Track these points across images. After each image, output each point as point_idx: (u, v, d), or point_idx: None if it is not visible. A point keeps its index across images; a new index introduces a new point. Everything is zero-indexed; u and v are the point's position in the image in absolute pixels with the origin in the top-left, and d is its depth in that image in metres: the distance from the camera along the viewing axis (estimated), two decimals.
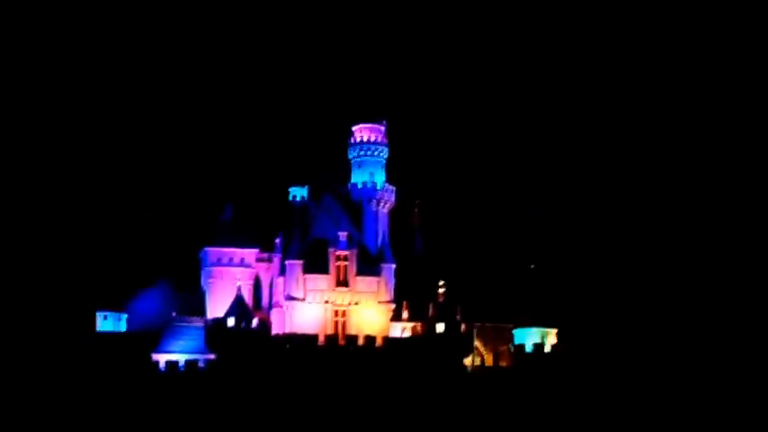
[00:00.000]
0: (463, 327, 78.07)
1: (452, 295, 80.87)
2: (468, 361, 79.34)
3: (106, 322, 76.74)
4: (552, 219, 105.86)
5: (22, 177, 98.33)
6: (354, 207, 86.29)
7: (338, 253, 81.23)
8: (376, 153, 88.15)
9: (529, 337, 79.28)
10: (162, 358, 75.77)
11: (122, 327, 77.70)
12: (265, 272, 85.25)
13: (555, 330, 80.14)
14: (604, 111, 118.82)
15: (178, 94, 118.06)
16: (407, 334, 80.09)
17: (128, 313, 79.10)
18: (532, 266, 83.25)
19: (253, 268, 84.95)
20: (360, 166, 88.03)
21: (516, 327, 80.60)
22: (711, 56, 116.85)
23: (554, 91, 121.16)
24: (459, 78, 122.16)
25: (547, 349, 78.41)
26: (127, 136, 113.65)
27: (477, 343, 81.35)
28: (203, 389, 73.39)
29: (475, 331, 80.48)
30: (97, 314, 76.65)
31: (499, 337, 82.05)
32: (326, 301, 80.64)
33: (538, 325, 79.77)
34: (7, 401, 70.26)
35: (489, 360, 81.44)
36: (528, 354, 78.17)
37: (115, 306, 77.69)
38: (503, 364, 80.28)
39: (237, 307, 77.90)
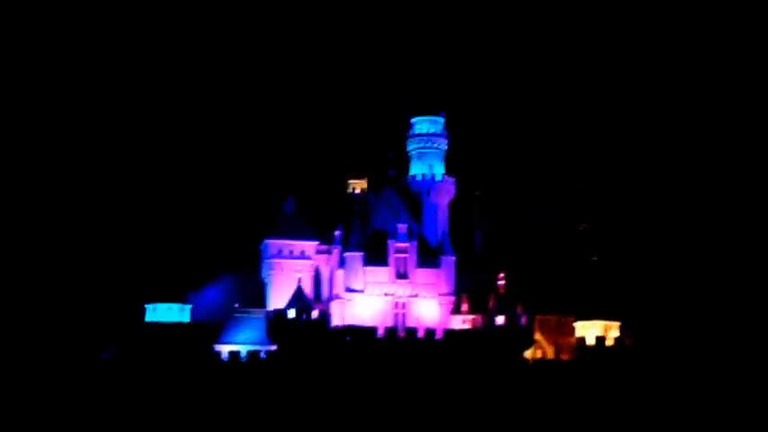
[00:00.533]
0: (524, 319, 77.50)
1: (513, 288, 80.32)
2: (528, 353, 78.69)
3: (170, 312, 77.77)
4: (615, 212, 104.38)
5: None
6: (414, 199, 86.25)
7: (398, 245, 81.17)
8: (435, 145, 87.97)
9: (591, 331, 78.27)
10: (224, 349, 76.73)
11: (186, 317, 78.70)
12: (325, 264, 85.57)
13: (617, 324, 78.96)
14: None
15: (243, 88, 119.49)
16: (467, 326, 79.76)
17: (191, 304, 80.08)
18: (594, 259, 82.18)
19: (313, 260, 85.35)
20: (419, 158, 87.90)
21: (578, 319, 79.66)
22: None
23: (610, 79, 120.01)
24: (515, 70, 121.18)
25: (609, 342, 77.35)
26: (192, 131, 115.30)
27: (537, 335, 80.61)
28: (265, 379, 74.07)
29: (536, 324, 79.77)
30: (161, 305, 77.71)
31: (561, 330, 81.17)
32: (386, 294, 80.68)
33: (600, 318, 78.67)
34: (65, 388, 71.69)
35: (550, 353, 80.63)
36: (589, 347, 77.21)
37: (179, 297, 78.70)
38: (564, 356, 79.44)
39: (298, 299, 78.47)
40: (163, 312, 77.63)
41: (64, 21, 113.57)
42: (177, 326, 76.87)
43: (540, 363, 79.04)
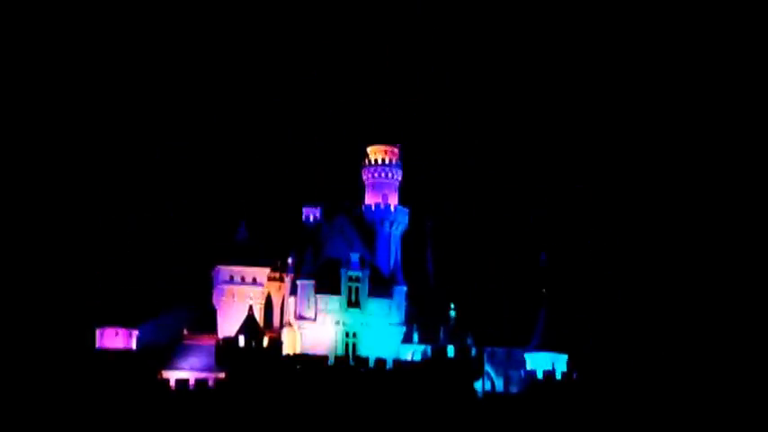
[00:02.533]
0: (474, 351, 77.86)
1: (464, 319, 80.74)
2: (478, 385, 79.01)
3: (117, 338, 76.64)
4: (565, 243, 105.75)
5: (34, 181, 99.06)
6: (367, 228, 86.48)
7: (350, 274, 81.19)
8: (390, 175, 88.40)
9: (540, 363, 78.94)
10: (172, 376, 75.73)
11: (133, 344, 77.64)
12: (277, 291, 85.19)
13: (566, 356, 79.80)
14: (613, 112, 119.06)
15: (194, 109, 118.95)
16: (418, 357, 79.89)
17: (139, 330, 79.00)
18: (544, 291, 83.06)
19: (264, 287, 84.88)
20: (373, 187, 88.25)
21: (527, 351, 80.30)
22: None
23: (558, 91, 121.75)
24: (469, 94, 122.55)
25: (558, 376, 78.04)
26: (144, 147, 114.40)
27: (487, 367, 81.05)
28: (213, 407, 73.25)
29: (486, 355, 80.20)
30: (108, 330, 76.50)
31: (510, 362, 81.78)
32: (337, 322, 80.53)
33: (549, 350, 79.41)
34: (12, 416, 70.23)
35: (500, 385, 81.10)
36: (539, 380, 77.82)
37: (126, 322, 77.54)
38: (513, 389, 79.95)
39: (248, 326, 77.78)
40: (110, 338, 76.45)
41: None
42: (124, 352, 75.73)
43: (490, 395, 79.48)
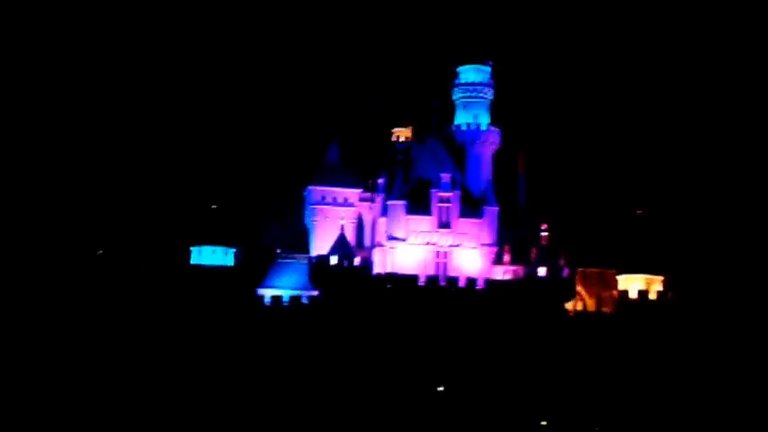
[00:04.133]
0: (566, 271, 77.25)
1: (556, 240, 79.98)
2: (570, 305, 78.59)
3: (214, 256, 78.65)
4: (661, 165, 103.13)
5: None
6: (458, 149, 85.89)
7: (441, 194, 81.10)
8: (481, 94, 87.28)
9: (633, 284, 77.88)
10: (267, 293, 77.60)
11: (230, 261, 79.60)
12: (368, 211, 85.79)
13: (661, 278, 78.46)
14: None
15: (286, 36, 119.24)
16: (509, 277, 79.77)
17: (236, 248, 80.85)
18: (639, 212, 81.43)
19: (356, 208, 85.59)
20: (464, 107, 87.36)
21: (621, 273, 79.21)
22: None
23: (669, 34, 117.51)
24: (568, 19, 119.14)
25: (651, 296, 76.95)
26: (236, 78, 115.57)
27: (579, 288, 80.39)
28: (306, 324, 74.96)
29: (577, 276, 79.52)
30: (206, 248, 78.55)
31: (603, 283, 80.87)
32: (428, 243, 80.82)
33: (643, 271, 78.17)
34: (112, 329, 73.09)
35: (592, 305, 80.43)
36: (632, 300, 76.91)
37: (224, 240, 79.42)
38: (605, 309, 79.22)
39: (340, 245, 78.91)
40: (207, 255, 78.52)
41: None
42: (221, 269, 77.73)
43: (581, 315, 78.95)
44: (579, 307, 79.68)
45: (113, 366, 72.09)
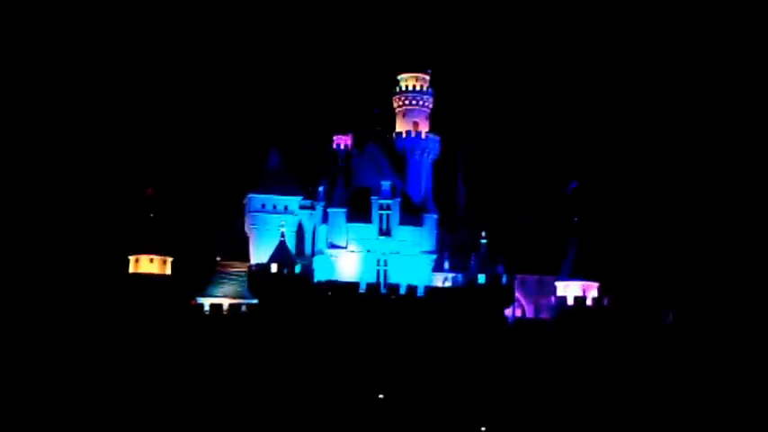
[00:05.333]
0: (505, 278, 78.09)
1: (495, 246, 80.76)
2: (508, 312, 79.43)
3: (152, 265, 77.68)
4: (597, 172, 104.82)
5: None
6: (398, 156, 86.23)
7: (381, 202, 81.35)
8: (421, 102, 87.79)
9: (571, 290, 79.07)
10: (206, 301, 76.91)
11: (168, 270, 78.66)
12: (309, 219, 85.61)
13: (597, 284, 79.79)
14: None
15: (229, 38, 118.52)
16: (449, 284, 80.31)
17: (173, 257, 79.95)
18: (576, 219, 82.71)
19: (296, 215, 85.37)
20: (404, 114, 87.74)
21: (558, 279, 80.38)
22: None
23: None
24: (499, 19, 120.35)
25: (588, 302, 78.20)
26: (176, 80, 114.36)
27: (518, 294, 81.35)
28: (245, 333, 74.49)
29: (516, 283, 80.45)
30: (143, 257, 77.53)
31: (541, 290, 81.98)
32: (369, 250, 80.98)
33: (580, 278, 79.44)
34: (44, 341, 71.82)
35: (530, 311, 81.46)
36: (570, 306, 78.04)
37: (160, 250, 78.47)
38: (544, 316, 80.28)
39: (281, 253, 78.54)
40: (145, 264, 77.52)
41: None
42: (159, 278, 76.80)
43: (520, 321, 79.89)
44: (518, 313, 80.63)
45: (52, 374, 70.84)
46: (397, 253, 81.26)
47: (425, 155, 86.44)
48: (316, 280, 79.20)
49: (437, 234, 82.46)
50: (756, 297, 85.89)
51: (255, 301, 76.72)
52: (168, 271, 78.10)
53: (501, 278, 77.90)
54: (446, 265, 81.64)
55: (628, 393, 75.35)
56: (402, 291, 77.13)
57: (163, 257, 77.79)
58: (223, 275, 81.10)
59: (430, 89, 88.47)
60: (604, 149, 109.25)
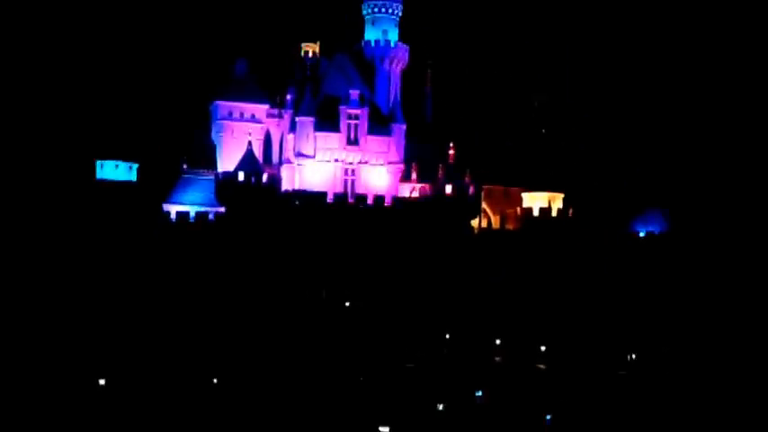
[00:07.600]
0: (471, 189, 78.52)
1: (462, 158, 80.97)
2: (475, 222, 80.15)
3: (117, 171, 76.97)
4: (565, 84, 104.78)
5: None
6: (367, 65, 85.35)
7: (349, 111, 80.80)
8: (390, 10, 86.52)
9: (536, 201, 79.83)
10: (173, 209, 76.65)
11: (133, 176, 78.06)
12: (276, 128, 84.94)
13: (561, 195, 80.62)
14: None
15: None
16: (416, 194, 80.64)
17: (139, 163, 79.19)
18: (543, 131, 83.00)
19: (264, 124, 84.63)
20: (373, 23, 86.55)
21: (524, 190, 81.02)
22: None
23: None
24: None
25: (553, 213, 79.10)
26: None
27: (484, 205, 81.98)
28: (212, 240, 74.55)
29: (483, 194, 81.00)
30: (108, 163, 76.69)
31: (507, 201, 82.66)
32: (336, 160, 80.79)
33: (546, 189, 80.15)
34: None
35: (496, 222, 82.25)
36: (535, 217, 78.92)
37: (126, 155, 77.64)
38: (509, 226, 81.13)
39: (248, 162, 78.18)
40: (110, 170, 76.78)
41: None
42: (125, 184, 76.24)
43: (486, 232, 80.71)
44: (484, 224, 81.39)
45: (21, 283, 70.69)
46: (366, 162, 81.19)
47: (394, 64, 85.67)
48: (283, 189, 79.10)
49: (405, 144, 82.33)
50: (725, 208, 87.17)
51: (223, 210, 76.56)
52: (134, 177, 77.50)
53: (468, 189, 78.33)
54: (413, 175, 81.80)
55: (591, 301, 76.86)
56: (369, 201, 77.35)
57: (128, 163, 77.06)
58: (189, 183, 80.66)
59: None
60: (570, 61, 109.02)
